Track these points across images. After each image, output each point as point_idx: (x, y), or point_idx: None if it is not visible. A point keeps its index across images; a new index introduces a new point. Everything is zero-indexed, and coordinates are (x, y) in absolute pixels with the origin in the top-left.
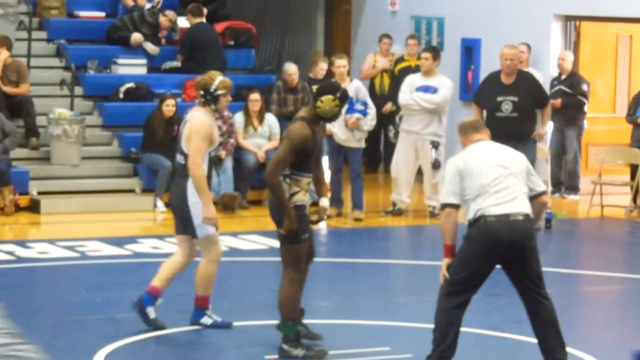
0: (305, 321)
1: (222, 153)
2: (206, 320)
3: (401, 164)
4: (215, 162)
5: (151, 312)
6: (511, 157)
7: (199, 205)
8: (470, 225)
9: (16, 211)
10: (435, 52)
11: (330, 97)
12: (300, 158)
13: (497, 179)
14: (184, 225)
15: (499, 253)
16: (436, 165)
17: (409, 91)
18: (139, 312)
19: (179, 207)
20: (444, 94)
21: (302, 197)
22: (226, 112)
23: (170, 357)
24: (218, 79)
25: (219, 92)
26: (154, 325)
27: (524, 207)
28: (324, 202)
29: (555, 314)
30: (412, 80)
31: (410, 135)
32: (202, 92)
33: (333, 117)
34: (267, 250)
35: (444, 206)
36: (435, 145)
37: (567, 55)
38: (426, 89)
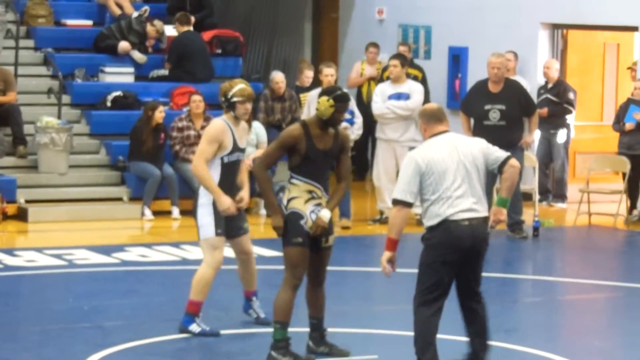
0: (292, 329)
1: None
2: (194, 328)
3: (382, 172)
4: None
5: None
6: (470, 147)
7: (206, 207)
8: (431, 229)
9: (4, 219)
10: (403, 58)
11: (325, 98)
12: (297, 161)
13: (459, 182)
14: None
15: (461, 256)
16: None
17: (381, 101)
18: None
19: (193, 210)
20: (417, 98)
21: (300, 205)
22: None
23: None
24: (237, 87)
25: (235, 99)
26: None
27: (483, 209)
28: (324, 212)
29: (487, 314)
30: (382, 90)
31: (389, 144)
32: (222, 99)
33: (333, 120)
34: (257, 259)
35: (399, 202)
36: None
37: (552, 63)
38: (398, 96)
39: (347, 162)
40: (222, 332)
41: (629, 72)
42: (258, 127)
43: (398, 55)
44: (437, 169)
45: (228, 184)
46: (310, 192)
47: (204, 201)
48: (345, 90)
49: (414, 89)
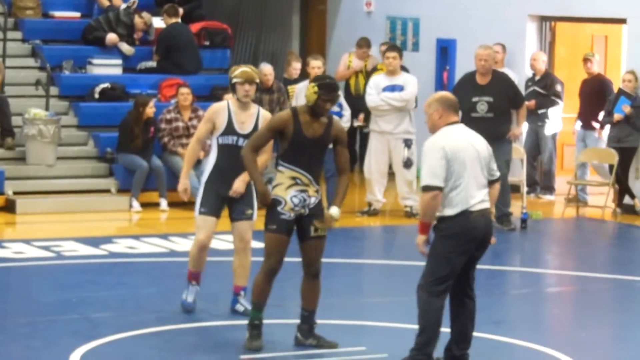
0: (281, 321)
1: (201, 154)
2: (184, 294)
3: (373, 164)
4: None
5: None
6: (481, 143)
7: (201, 185)
8: (447, 219)
9: None
10: (400, 51)
11: (312, 84)
12: (285, 147)
13: (477, 172)
14: None
15: (473, 247)
16: (408, 164)
17: (376, 93)
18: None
19: None
20: (411, 90)
21: (280, 192)
22: (201, 112)
23: (145, 356)
24: (239, 70)
25: (235, 80)
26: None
27: (489, 201)
28: (333, 210)
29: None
30: (377, 82)
31: (382, 136)
32: (229, 83)
33: (317, 107)
34: (253, 250)
35: (431, 188)
36: (408, 144)
37: (539, 55)
38: (393, 88)
39: (344, 154)
40: (210, 323)
41: (584, 63)
42: None
43: (395, 47)
44: (460, 158)
45: (223, 166)
46: (294, 178)
47: (202, 179)
48: (332, 80)
49: (409, 81)
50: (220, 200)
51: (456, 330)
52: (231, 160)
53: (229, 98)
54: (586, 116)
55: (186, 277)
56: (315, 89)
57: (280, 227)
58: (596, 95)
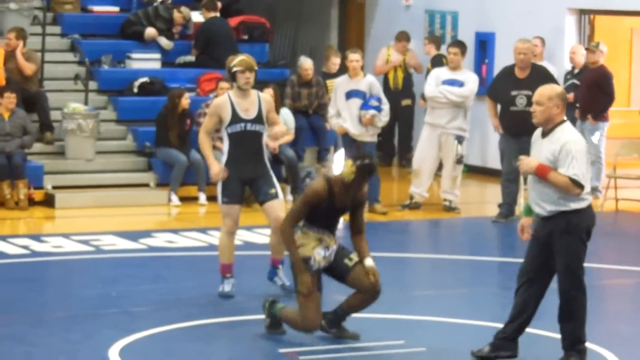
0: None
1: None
2: (224, 287)
3: (424, 156)
4: None
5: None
6: None
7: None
8: (576, 212)
9: (31, 205)
10: (463, 47)
11: (350, 162)
12: (314, 215)
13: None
14: None
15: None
16: (460, 161)
17: (435, 84)
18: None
19: None
20: (471, 87)
21: (308, 252)
22: None
23: (184, 350)
24: (237, 59)
25: (234, 69)
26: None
27: None
28: (369, 262)
29: None
30: (438, 74)
31: (434, 129)
32: (226, 72)
33: (353, 185)
34: (257, 246)
35: (580, 187)
36: (460, 140)
37: (578, 49)
38: (452, 83)
39: (362, 215)
40: (249, 317)
41: (588, 53)
42: (286, 113)
43: (458, 43)
44: (586, 156)
45: (237, 154)
46: (319, 239)
47: None
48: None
49: (470, 78)
50: (241, 186)
51: (527, 319)
52: (243, 146)
53: (267, 94)
54: (585, 107)
55: (220, 273)
56: (354, 169)
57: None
58: (596, 86)
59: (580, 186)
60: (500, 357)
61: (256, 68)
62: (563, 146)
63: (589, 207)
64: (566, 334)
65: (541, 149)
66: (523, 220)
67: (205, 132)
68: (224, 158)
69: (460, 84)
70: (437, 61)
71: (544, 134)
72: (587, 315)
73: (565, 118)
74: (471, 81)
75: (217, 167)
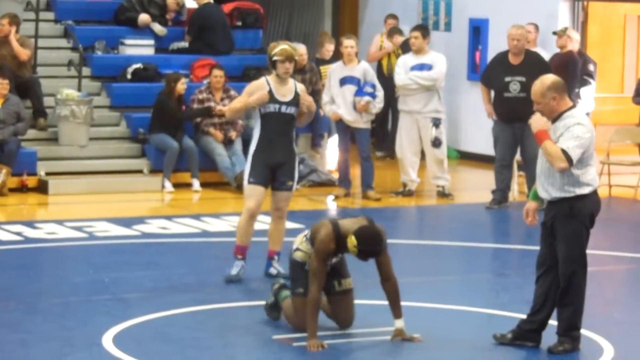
0: None
1: (233, 134)
2: (231, 270)
3: (404, 144)
4: (225, 142)
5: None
6: None
7: (250, 156)
8: (580, 198)
9: (24, 192)
10: (424, 29)
11: (353, 239)
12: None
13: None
14: None
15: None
16: (436, 143)
17: (404, 72)
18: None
19: None
20: (440, 69)
21: (305, 258)
22: (233, 92)
23: (178, 337)
24: (278, 47)
25: (275, 58)
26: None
27: None
28: (399, 323)
29: None
30: (405, 61)
31: (411, 115)
32: (268, 58)
33: (359, 258)
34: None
35: (569, 162)
36: (436, 123)
37: (572, 35)
38: (421, 67)
39: (386, 262)
40: (243, 304)
41: (557, 37)
42: None
43: (419, 27)
44: (593, 142)
45: (268, 134)
46: None
47: (249, 150)
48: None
49: (437, 59)
50: (268, 170)
51: (551, 309)
52: (276, 127)
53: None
54: None
55: (233, 252)
56: (356, 250)
57: (307, 290)
58: (562, 70)
59: (569, 160)
60: (523, 346)
61: (296, 58)
62: (568, 127)
63: (594, 193)
64: (562, 319)
65: (553, 134)
66: (529, 204)
67: (236, 105)
68: (255, 139)
69: (429, 67)
70: (406, 47)
71: (553, 121)
72: (584, 304)
73: (571, 104)
74: (439, 62)
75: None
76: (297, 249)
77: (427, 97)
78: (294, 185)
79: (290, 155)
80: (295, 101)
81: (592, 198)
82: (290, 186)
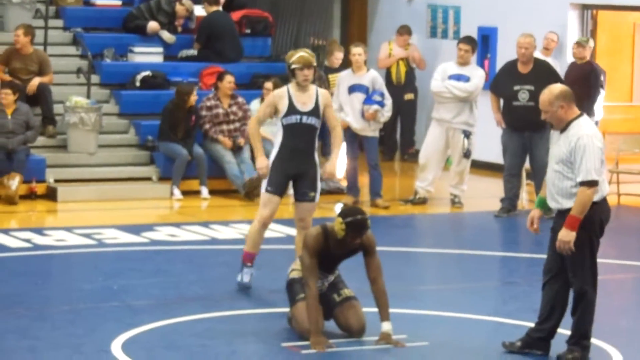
0: None
1: (241, 141)
2: (239, 276)
3: (430, 151)
4: (234, 149)
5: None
6: None
7: (271, 165)
8: (592, 206)
9: (33, 199)
10: (474, 43)
11: (339, 219)
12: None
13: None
14: None
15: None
16: (467, 155)
17: (441, 79)
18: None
19: None
20: (476, 82)
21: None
22: (240, 99)
23: (186, 344)
24: (296, 55)
25: (293, 66)
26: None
27: None
28: (386, 327)
29: None
30: (444, 69)
31: (441, 124)
32: (287, 67)
33: (345, 241)
34: (284, 238)
35: (595, 184)
36: (467, 134)
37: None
38: (459, 78)
39: (375, 263)
40: (251, 311)
41: (576, 46)
42: None
43: (470, 40)
44: (603, 150)
45: (290, 144)
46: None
47: (270, 158)
48: (362, 72)
49: (476, 73)
50: (287, 179)
51: (560, 316)
52: (297, 138)
53: (268, 87)
54: None
55: (241, 260)
56: (343, 226)
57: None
58: (582, 81)
59: (594, 183)
60: (531, 354)
61: (315, 64)
62: (577, 141)
63: (604, 200)
64: (574, 329)
65: (559, 144)
66: (533, 212)
67: (258, 121)
68: (276, 147)
69: (467, 79)
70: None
71: (562, 130)
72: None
73: (579, 112)
74: (477, 76)
75: (264, 161)
76: (292, 270)
77: (459, 108)
78: (316, 196)
79: (311, 166)
80: (316, 111)
81: (602, 206)
82: (313, 197)
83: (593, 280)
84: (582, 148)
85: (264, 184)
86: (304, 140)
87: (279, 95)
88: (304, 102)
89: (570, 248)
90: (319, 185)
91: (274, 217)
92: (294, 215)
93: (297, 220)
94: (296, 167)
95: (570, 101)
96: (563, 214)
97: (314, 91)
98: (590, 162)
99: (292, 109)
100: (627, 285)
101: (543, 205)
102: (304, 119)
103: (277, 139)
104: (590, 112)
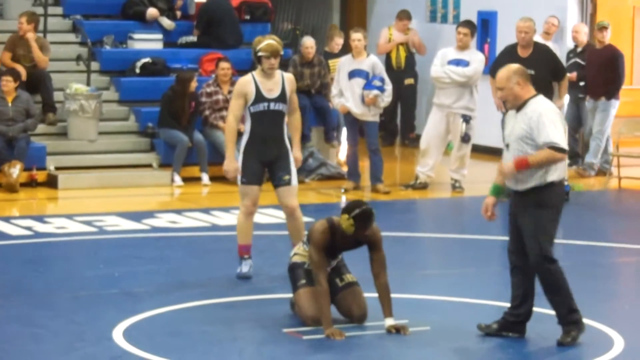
0: None
1: (241, 127)
2: (238, 269)
3: (431, 136)
4: None
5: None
6: None
7: (241, 156)
8: (549, 186)
9: (34, 186)
10: (473, 27)
11: (345, 216)
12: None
13: None
14: None
15: None
16: (466, 139)
17: (440, 64)
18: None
19: None
20: (476, 67)
21: (304, 258)
22: None
23: (188, 330)
24: (264, 42)
25: (260, 53)
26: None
27: None
28: (389, 323)
29: None
30: (444, 54)
31: (441, 109)
32: (253, 53)
33: (357, 236)
34: (283, 225)
35: (563, 151)
36: (466, 119)
37: (581, 27)
38: (458, 62)
39: (380, 258)
40: (253, 297)
41: (598, 31)
42: None
43: (468, 23)
44: (562, 123)
45: (259, 132)
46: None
47: (239, 148)
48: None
49: (476, 57)
50: (261, 167)
51: (532, 299)
52: (265, 125)
53: (226, 68)
54: (595, 86)
55: (237, 254)
56: (351, 221)
57: (309, 280)
58: (607, 65)
59: (563, 150)
60: (508, 337)
61: (282, 53)
62: (539, 116)
63: (561, 184)
64: (555, 307)
65: (515, 123)
66: (488, 199)
67: (234, 116)
68: (245, 138)
69: (466, 64)
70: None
71: (518, 109)
72: (579, 295)
73: (535, 92)
74: (476, 60)
75: (233, 163)
76: (295, 254)
77: (459, 93)
78: (292, 178)
79: (283, 150)
80: (283, 97)
81: (559, 188)
82: (289, 180)
83: (548, 257)
84: (545, 121)
85: (238, 176)
86: (273, 127)
87: (245, 83)
88: (270, 89)
89: (506, 175)
90: (293, 169)
91: (257, 205)
92: (278, 202)
93: (283, 207)
94: (268, 154)
95: (527, 80)
96: (520, 195)
97: (280, 77)
98: (553, 131)
99: (259, 97)
100: (629, 269)
101: (497, 192)
102: (272, 105)
103: (246, 127)
104: (616, 96)
